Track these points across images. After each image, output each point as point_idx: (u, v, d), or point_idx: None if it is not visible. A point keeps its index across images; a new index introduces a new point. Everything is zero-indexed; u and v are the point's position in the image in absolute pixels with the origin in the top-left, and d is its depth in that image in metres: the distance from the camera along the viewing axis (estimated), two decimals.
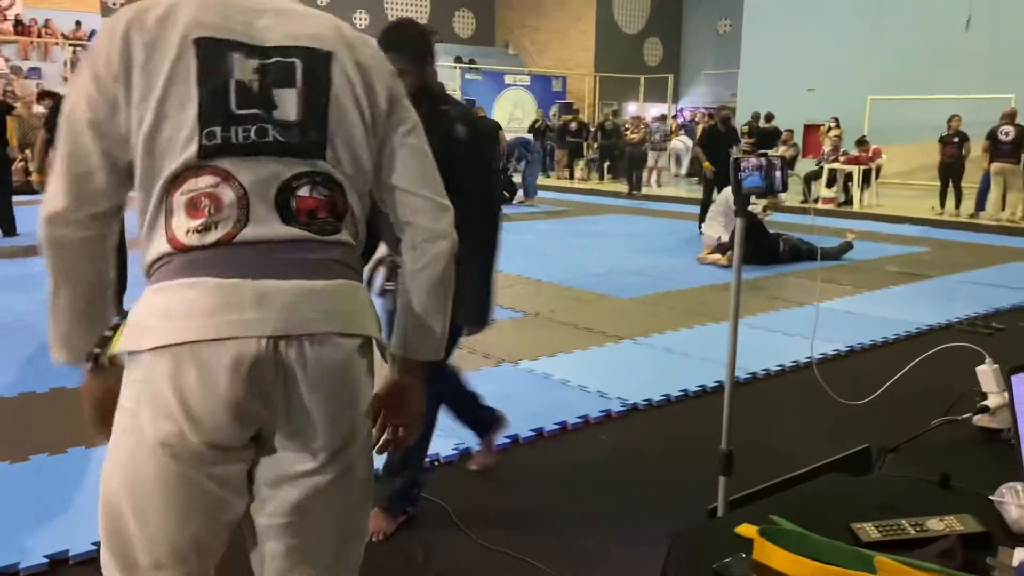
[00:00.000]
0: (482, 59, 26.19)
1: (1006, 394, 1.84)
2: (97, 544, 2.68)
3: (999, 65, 16.58)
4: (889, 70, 18.36)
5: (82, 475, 3.22)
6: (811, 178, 14.55)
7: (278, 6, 1.32)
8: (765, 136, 16.54)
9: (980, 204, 12.52)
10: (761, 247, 7.89)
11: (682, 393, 4.27)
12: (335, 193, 1.30)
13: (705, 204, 9.89)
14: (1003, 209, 12.11)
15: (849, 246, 8.78)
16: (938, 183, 13.18)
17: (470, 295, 2.49)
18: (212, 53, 1.23)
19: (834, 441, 3.54)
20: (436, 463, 3.40)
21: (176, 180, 1.23)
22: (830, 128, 15.74)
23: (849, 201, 13.94)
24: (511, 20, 28.79)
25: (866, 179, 13.98)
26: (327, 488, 1.29)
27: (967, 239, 10.38)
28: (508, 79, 22.17)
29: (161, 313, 1.21)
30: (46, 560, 2.59)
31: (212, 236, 1.22)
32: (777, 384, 4.55)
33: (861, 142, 14.21)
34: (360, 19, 26.67)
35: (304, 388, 1.22)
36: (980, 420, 1.85)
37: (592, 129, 19.97)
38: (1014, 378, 1.53)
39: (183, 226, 1.23)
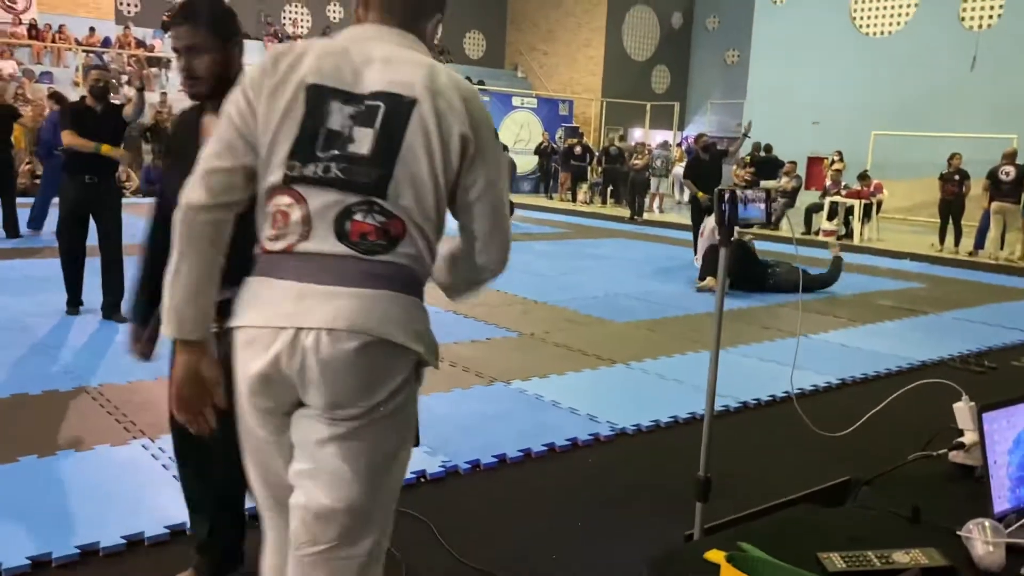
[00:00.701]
0: (491, 80, 26.36)
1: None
2: (80, 547, 2.70)
3: (1001, 106, 16.70)
4: (893, 106, 18.48)
5: (69, 478, 3.24)
6: (813, 210, 14.62)
7: (387, 54, 1.58)
8: (763, 166, 16.65)
9: (979, 242, 12.56)
10: (750, 274, 7.93)
11: (672, 419, 4.29)
12: (391, 221, 1.52)
13: (697, 232, 9.92)
14: (1002, 248, 12.16)
15: (839, 262, 8.76)
16: (938, 220, 13.23)
17: None
18: (317, 99, 1.53)
19: (815, 472, 3.55)
20: (422, 479, 3.41)
21: (270, 193, 1.54)
22: (833, 161, 15.84)
23: (849, 234, 14.00)
24: (521, 43, 29.02)
25: (867, 213, 14.04)
26: (337, 447, 1.53)
27: (965, 277, 10.41)
28: (516, 101, 22.29)
29: (245, 300, 1.56)
30: (28, 562, 2.60)
31: (280, 245, 1.53)
32: (765, 413, 4.57)
33: (863, 176, 14.29)
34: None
35: (316, 371, 1.48)
36: (955, 456, 1.88)
37: (596, 153, 20.09)
38: (985, 416, 1.55)
39: (266, 234, 1.56)
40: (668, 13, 28.00)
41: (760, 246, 8.97)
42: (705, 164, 10.04)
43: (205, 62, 2.06)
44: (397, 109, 1.52)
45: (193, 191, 1.55)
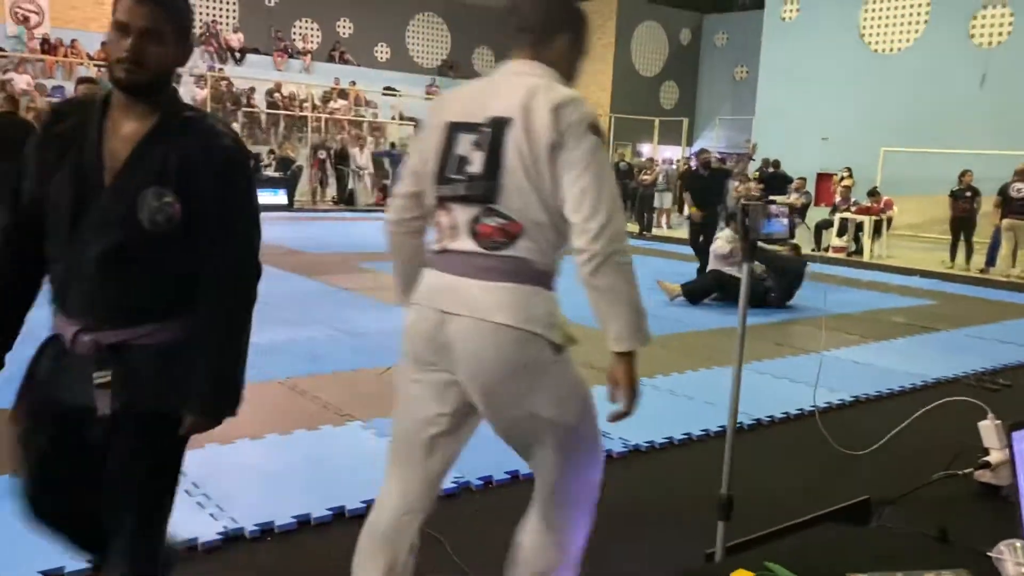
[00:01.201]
0: None
1: (1007, 450, 1.85)
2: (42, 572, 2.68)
3: (1012, 123, 16.67)
4: (903, 123, 18.47)
5: None
6: (823, 227, 14.58)
7: (507, 84, 1.93)
8: (772, 182, 16.62)
9: (991, 259, 12.51)
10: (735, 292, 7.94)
11: (685, 436, 4.26)
12: (509, 222, 1.87)
13: (695, 249, 9.86)
14: (1013, 265, 12.10)
15: (798, 252, 8.58)
16: (948, 236, 13.19)
17: (210, 373, 1.94)
18: (452, 133, 1.94)
19: (835, 490, 3.51)
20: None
21: (433, 209, 2.01)
22: (843, 178, 15.81)
23: (860, 251, 13.95)
24: None
25: (877, 230, 14.00)
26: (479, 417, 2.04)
27: (977, 294, 10.35)
28: None
29: (420, 284, 2.03)
30: None
31: (438, 246, 1.99)
32: (781, 431, 4.53)
33: (873, 193, 14.26)
34: (382, 52, 27.05)
35: (451, 344, 1.90)
36: (981, 476, 1.85)
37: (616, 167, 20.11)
38: (1015, 435, 1.53)
39: (433, 237, 2.03)
40: (677, 29, 28.10)
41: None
42: (703, 180, 10.00)
43: (160, 52, 1.75)
44: (498, 131, 1.86)
45: (387, 210, 2.16)
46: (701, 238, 9.82)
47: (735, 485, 2.36)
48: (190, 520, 2.98)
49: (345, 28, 26.42)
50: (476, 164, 1.87)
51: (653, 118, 25.33)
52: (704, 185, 9.93)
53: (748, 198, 10.70)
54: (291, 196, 17.69)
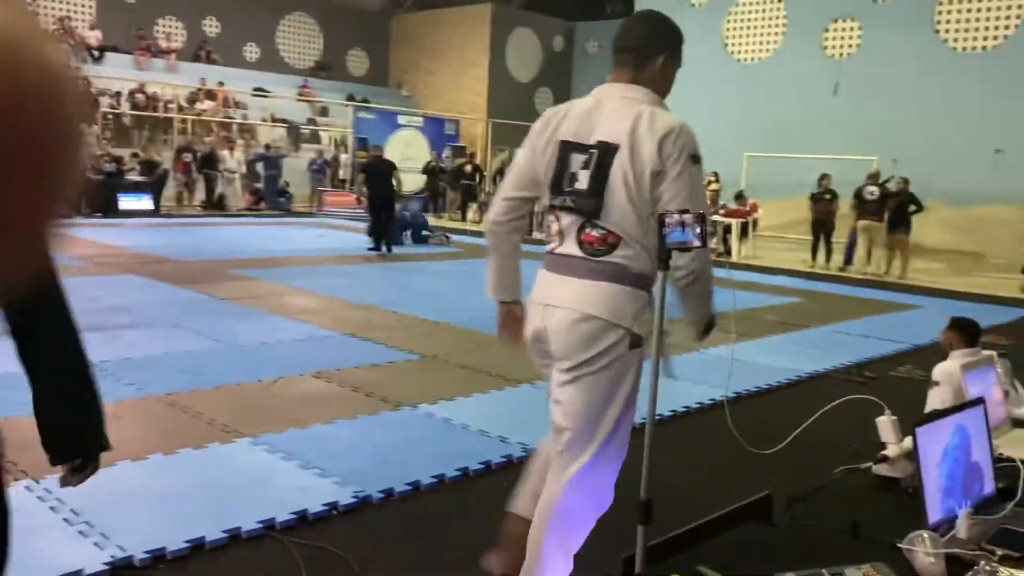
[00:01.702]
0: (375, 98, 26.14)
1: (903, 444, 1.95)
2: None
3: (864, 129, 17.82)
4: (764, 129, 19.42)
5: None
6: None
7: (611, 109, 2.21)
8: None
9: (848, 258, 13.32)
10: None
11: None
12: (609, 233, 2.19)
13: None
14: (869, 263, 12.92)
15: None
16: (808, 237, 13.96)
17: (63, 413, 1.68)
18: (564, 151, 2.26)
19: (735, 486, 3.63)
20: (335, 511, 3.30)
21: (546, 213, 2.33)
22: (710, 182, 16.46)
23: (728, 252, 14.57)
24: (405, 62, 28.94)
25: (744, 232, 14.65)
26: (566, 387, 2.26)
27: (837, 291, 10.99)
28: (401, 119, 22.18)
29: (536, 282, 2.36)
30: None
31: (549, 248, 2.32)
32: (674, 428, 4.66)
33: (739, 196, 14.92)
34: (251, 52, 26.23)
35: (552, 332, 2.24)
36: (880, 469, 1.96)
37: (486, 173, 20.20)
38: (919, 431, 1.62)
39: (547, 240, 2.34)
40: (550, 36, 28.56)
41: None
42: None
43: None
44: (605, 154, 2.16)
45: (492, 210, 2.41)
46: None
47: (633, 481, 2.40)
48: (72, 551, 2.78)
49: (212, 27, 25.46)
50: (583, 181, 2.19)
51: (529, 123, 25.60)
52: None
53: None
54: (157, 201, 16.88)
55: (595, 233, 2.18)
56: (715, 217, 14.80)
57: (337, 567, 2.85)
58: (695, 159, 2.13)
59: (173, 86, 21.13)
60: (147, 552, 2.83)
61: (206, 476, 3.58)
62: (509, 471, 3.86)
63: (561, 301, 2.21)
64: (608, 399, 2.23)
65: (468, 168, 19.56)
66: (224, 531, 3.02)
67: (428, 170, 20.74)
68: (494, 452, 4.00)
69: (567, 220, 2.22)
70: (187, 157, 17.83)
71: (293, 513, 3.20)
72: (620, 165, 2.12)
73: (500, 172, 19.39)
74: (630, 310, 2.18)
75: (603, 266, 2.18)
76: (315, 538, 3.04)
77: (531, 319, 2.32)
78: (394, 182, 12.48)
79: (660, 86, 2.27)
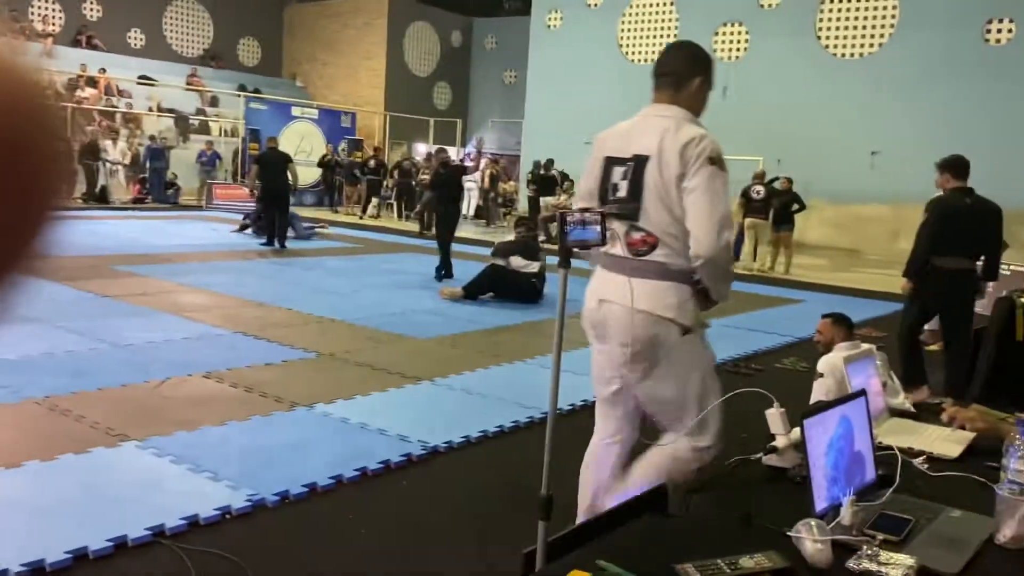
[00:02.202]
0: (268, 89, 25.45)
1: (791, 435, 2.04)
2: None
3: (750, 131, 18.49)
4: None
5: None
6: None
7: (647, 126, 2.54)
8: (546, 183, 17.33)
9: (735, 254, 13.79)
10: (523, 289, 8.39)
11: (481, 434, 4.32)
12: (648, 235, 2.50)
13: (441, 241, 10.02)
14: (755, 260, 13.43)
15: None
16: None
17: None
18: (608, 165, 2.61)
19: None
20: (227, 516, 3.20)
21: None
22: None
23: None
24: (299, 52, 28.29)
25: None
26: (642, 385, 2.60)
27: None
28: (295, 111, 21.67)
29: (592, 280, 2.67)
30: None
31: (604, 249, 2.52)
32: (573, 422, 4.71)
33: None
34: (136, 38, 25.12)
35: (606, 323, 2.59)
36: (770, 460, 2.03)
37: (389, 167, 19.96)
38: (806, 422, 1.69)
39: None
40: (448, 31, 28.45)
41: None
42: (443, 177, 10.19)
43: None
44: (639, 166, 2.49)
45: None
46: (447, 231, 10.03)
47: (532, 477, 2.43)
48: None
49: (92, 11, 24.23)
50: (623, 190, 2.54)
51: (428, 118, 25.50)
52: (443, 182, 10.10)
53: (560, 207, 11.11)
54: None
55: (636, 236, 2.50)
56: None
57: (230, 573, 2.76)
58: (712, 161, 2.42)
59: (50, 72, 19.99)
60: (24, 565, 2.68)
61: (89, 483, 3.41)
62: (408, 470, 3.83)
63: (614, 297, 2.53)
64: (682, 383, 2.55)
65: (372, 163, 19.26)
66: (109, 540, 2.89)
67: (324, 163, 20.33)
68: (393, 451, 3.96)
69: (615, 225, 2.52)
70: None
71: (183, 519, 3.08)
72: (651, 173, 2.44)
73: (398, 166, 19.23)
74: (673, 302, 2.47)
75: (646, 264, 2.49)
76: (207, 544, 2.94)
77: (588, 307, 2.67)
78: (289, 176, 12.14)
79: (695, 105, 2.59)
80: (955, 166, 5.35)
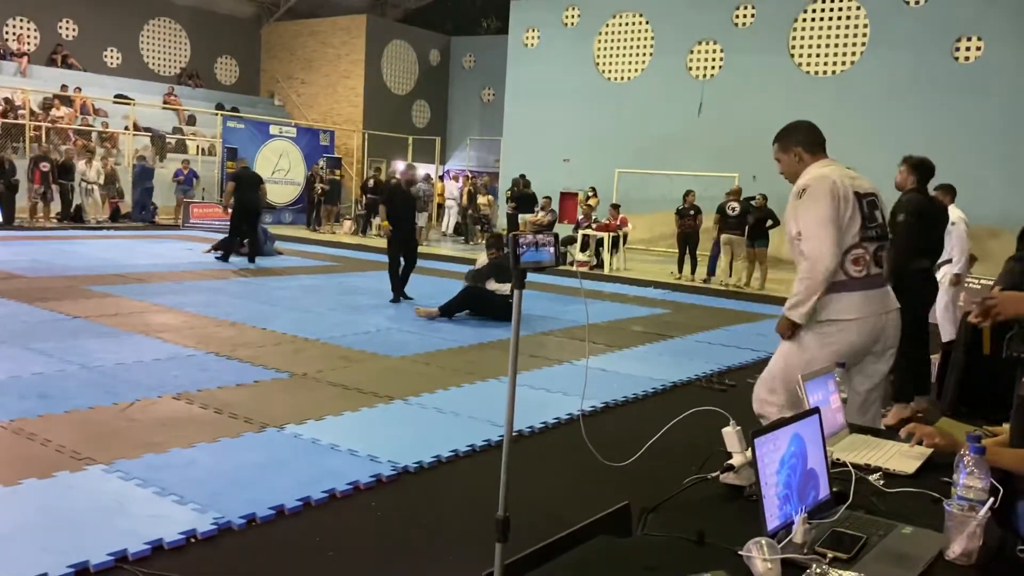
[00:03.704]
0: (245, 108, 25.41)
1: (748, 453, 2.05)
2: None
3: (724, 148, 18.67)
4: (634, 146, 20.06)
5: None
6: (567, 243, 15.44)
7: (851, 173, 3.39)
8: (524, 200, 17.39)
9: (711, 270, 13.90)
10: (498, 308, 8.39)
11: (452, 453, 4.31)
12: (887, 252, 3.36)
13: (393, 265, 9.62)
14: (731, 275, 13.52)
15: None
16: (675, 250, 14.50)
17: None
18: (859, 199, 3.28)
19: (596, 497, 3.71)
20: (192, 540, 3.17)
21: (849, 249, 3.25)
22: (588, 196, 16.85)
23: (601, 264, 14.93)
24: (277, 71, 28.28)
25: (615, 245, 15.07)
26: (877, 365, 3.39)
27: (701, 302, 11.45)
28: (273, 130, 21.63)
29: (852, 305, 3.26)
30: None
31: (862, 272, 3.26)
32: (540, 441, 4.72)
33: (615, 206, 15.35)
34: (112, 57, 25.01)
35: (887, 328, 3.34)
36: (726, 478, 2.04)
37: (365, 185, 19.98)
38: (757, 441, 1.70)
39: (852, 269, 3.26)
40: (426, 50, 28.55)
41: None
42: (401, 195, 9.89)
43: None
44: (877, 200, 3.37)
45: (829, 260, 3.21)
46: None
47: (495, 500, 2.42)
48: None
49: (68, 30, 24.11)
50: (877, 217, 3.33)
51: (406, 136, 25.53)
52: (401, 200, 9.82)
53: (536, 227, 11.05)
54: (9, 213, 15.82)
55: (882, 253, 3.34)
56: (588, 231, 15.17)
57: None
58: (799, 194, 3.31)
59: (24, 91, 19.85)
60: None
61: (52, 507, 3.37)
62: (378, 490, 3.82)
63: (891, 305, 3.33)
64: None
65: (371, 183, 19.20)
66: (70, 566, 2.85)
67: (310, 182, 20.37)
68: (363, 472, 3.94)
69: (872, 247, 3.27)
70: (44, 167, 16.76)
71: (147, 543, 3.05)
72: (881, 206, 3.45)
73: (364, 184, 19.40)
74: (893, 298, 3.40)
75: (882, 278, 3.36)
76: (170, 568, 2.91)
77: (868, 321, 3.24)
78: (261, 195, 12.88)
79: None
80: (927, 169, 5.33)
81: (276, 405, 5.00)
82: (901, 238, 5.21)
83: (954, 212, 7.00)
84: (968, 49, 16.74)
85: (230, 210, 12.69)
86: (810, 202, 3.23)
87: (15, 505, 3.38)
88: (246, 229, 12.54)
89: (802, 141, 3.44)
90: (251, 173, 13.27)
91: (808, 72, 18.62)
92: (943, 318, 7.33)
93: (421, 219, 18.53)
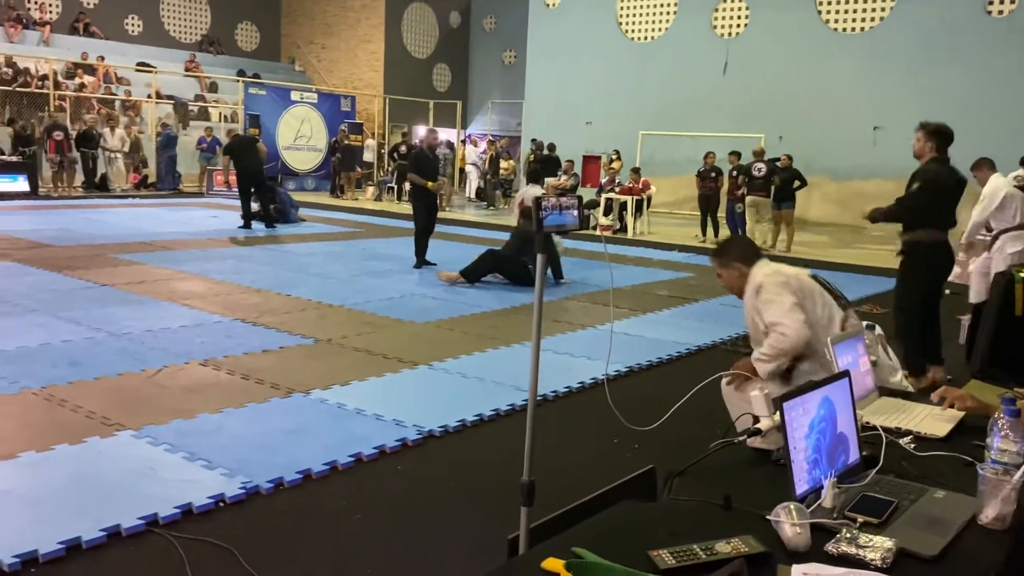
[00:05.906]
0: (267, 74, 25.33)
1: (775, 418, 2.02)
2: None
3: (750, 107, 18.37)
4: (657, 108, 19.78)
5: None
6: (590, 207, 15.31)
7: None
8: (547, 164, 17.24)
9: (739, 231, 13.72)
10: (515, 272, 8.45)
11: (477, 418, 4.32)
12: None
13: (421, 231, 9.67)
14: (755, 237, 13.36)
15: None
16: (699, 213, 14.37)
17: None
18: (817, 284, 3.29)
19: (621, 461, 3.71)
20: (221, 503, 3.21)
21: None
22: (612, 160, 16.68)
23: (624, 228, 14.82)
24: (297, 36, 28.13)
25: (638, 208, 14.94)
26: None
27: None
28: (294, 95, 21.56)
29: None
30: None
31: None
32: (566, 405, 4.72)
33: (636, 170, 15.19)
34: (133, 25, 25.00)
35: None
36: (753, 442, 2.02)
37: (396, 151, 19.88)
38: (785, 405, 1.67)
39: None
40: (446, 12, 28.24)
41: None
42: (426, 159, 9.94)
43: None
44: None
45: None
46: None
47: (521, 465, 2.42)
48: None
49: None
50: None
51: (427, 100, 25.37)
52: (431, 165, 9.90)
53: (560, 190, 11.02)
54: (34, 182, 15.95)
55: None
56: (611, 195, 15.03)
57: (223, 561, 2.77)
58: (755, 294, 3.16)
59: (48, 60, 19.92)
60: (16, 556, 2.69)
61: (84, 473, 3.42)
62: (403, 454, 3.84)
63: None
64: None
65: (403, 148, 19.09)
66: (102, 530, 2.90)
67: (333, 147, 20.36)
68: (388, 436, 3.96)
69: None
70: (58, 135, 16.80)
71: (177, 507, 3.09)
72: None
73: (395, 150, 19.17)
74: None
75: None
76: (200, 532, 2.95)
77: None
78: (259, 155, 12.85)
79: None
80: (944, 136, 5.20)
81: (302, 371, 5.03)
82: (904, 199, 5.13)
83: (996, 180, 6.84)
84: (1002, 3, 16.27)
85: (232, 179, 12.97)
86: (770, 296, 3.10)
87: (48, 470, 3.44)
88: (257, 195, 12.66)
89: (738, 256, 3.34)
90: (243, 139, 13.28)
91: (836, 29, 18.20)
92: (978, 282, 7.13)
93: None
